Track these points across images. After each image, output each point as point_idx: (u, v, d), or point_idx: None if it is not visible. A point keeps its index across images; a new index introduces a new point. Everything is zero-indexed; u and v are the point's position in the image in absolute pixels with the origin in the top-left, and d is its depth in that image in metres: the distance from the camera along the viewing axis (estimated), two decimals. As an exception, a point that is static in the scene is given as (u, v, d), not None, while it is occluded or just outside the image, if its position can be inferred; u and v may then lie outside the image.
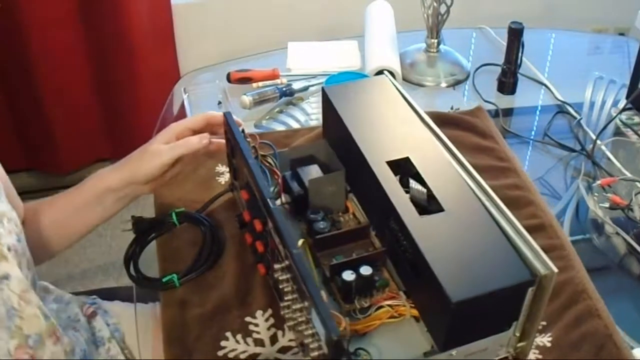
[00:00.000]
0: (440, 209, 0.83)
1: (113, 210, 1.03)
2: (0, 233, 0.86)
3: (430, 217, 0.82)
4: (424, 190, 0.86)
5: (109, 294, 1.24)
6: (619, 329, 0.93)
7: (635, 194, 1.14)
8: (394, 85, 1.04)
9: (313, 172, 0.97)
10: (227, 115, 0.99)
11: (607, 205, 1.15)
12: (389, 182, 0.86)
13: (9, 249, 0.86)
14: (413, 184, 0.87)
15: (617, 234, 1.11)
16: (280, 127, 1.33)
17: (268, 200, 0.84)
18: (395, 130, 0.96)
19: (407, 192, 0.86)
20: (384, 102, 1.01)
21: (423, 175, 0.87)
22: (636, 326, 0.98)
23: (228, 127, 0.99)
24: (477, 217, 0.82)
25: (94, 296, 1.16)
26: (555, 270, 0.75)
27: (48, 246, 1.04)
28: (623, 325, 0.97)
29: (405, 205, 0.83)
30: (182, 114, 1.40)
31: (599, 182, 1.18)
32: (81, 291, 1.34)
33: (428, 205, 0.85)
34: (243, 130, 0.98)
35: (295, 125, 1.33)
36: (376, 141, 0.93)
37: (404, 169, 0.90)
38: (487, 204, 0.84)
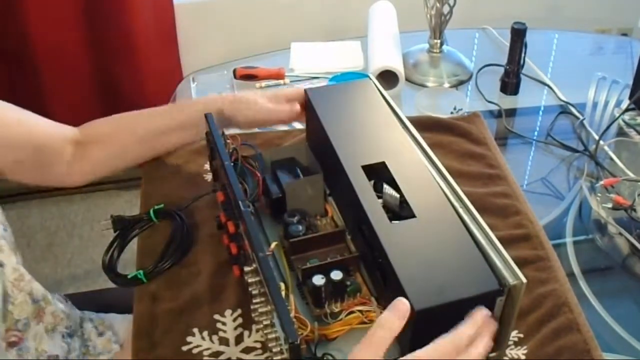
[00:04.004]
0: (412, 215, 0.82)
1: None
2: None
3: (400, 223, 0.81)
4: (397, 195, 0.85)
5: (110, 295, 1.25)
6: (622, 331, 0.93)
7: (638, 194, 1.14)
8: (378, 89, 1.04)
9: (292, 175, 0.97)
10: (207, 117, 0.99)
11: (610, 205, 1.15)
12: (362, 186, 0.86)
13: (3, 238, 0.91)
14: (386, 189, 0.87)
15: (620, 234, 1.11)
16: (283, 127, 1.33)
17: (240, 202, 0.84)
18: (374, 134, 0.95)
19: (380, 197, 0.86)
20: (366, 106, 1.00)
21: (397, 181, 0.86)
22: (638, 326, 0.98)
23: (208, 128, 0.99)
24: (448, 224, 0.81)
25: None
26: (524, 280, 0.74)
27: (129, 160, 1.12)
28: (626, 326, 0.97)
29: (376, 211, 0.82)
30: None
31: (602, 182, 1.18)
32: (83, 291, 1.34)
33: (401, 211, 0.84)
34: (223, 132, 0.98)
35: (299, 126, 1.33)
36: (353, 145, 0.92)
37: (379, 173, 0.89)
38: (461, 211, 0.83)
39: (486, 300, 0.75)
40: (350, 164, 0.89)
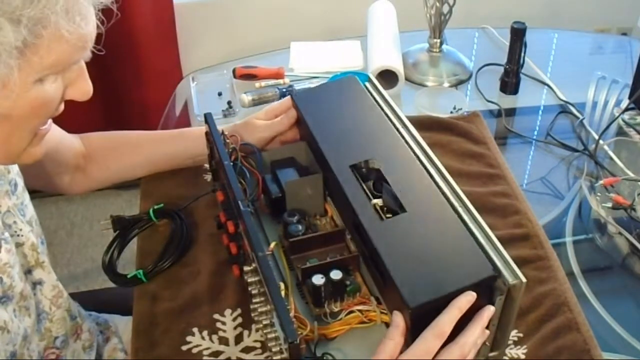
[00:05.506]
0: (403, 210, 0.82)
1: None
2: (34, 242, 0.88)
3: (391, 220, 0.81)
4: (395, 194, 0.85)
5: (110, 294, 1.25)
6: (621, 330, 0.93)
7: (638, 194, 1.14)
8: (377, 88, 1.04)
9: (292, 174, 0.97)
10: (207, 117, 0.99)
11: (609, 205, 1.15)
12: (351, 186, 0.86)
13: (43, 253, 0.90)
14: (386, 187, 0.87)
15: (620, 233, 1.11)
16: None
17: (239, 202, 0.84)
18: (361, 132, 0.95)
19: (379, 196, 0.86)
20: (352, 104, 1.01)
21: (387, 177, 0.87)
22: (638, 326, 0.98)
23: (208, 127, 0.99)
24: (439, 215, 0.81)
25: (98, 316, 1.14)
26: (524, 280, 0.74)
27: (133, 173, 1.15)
28: (626, 325, 0.97)
29: (365, 210, 0.83)
30: (185, 114, 1.40)
31: (601, 182, 1.18)
32: (83, 291, 1.34)
33: (399, 208, 0.84)
34: (223, 132, 0.98)
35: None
36: (341, 145, 0.93)
37: (368, 171, 0.89)
38: (461, 210, 0.83)
39: (483, 287, 0.75)
40: (338, 165, 0.89)
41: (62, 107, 0.79)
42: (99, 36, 0.76)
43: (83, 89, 0.79)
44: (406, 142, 0.94)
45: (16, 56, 0.67)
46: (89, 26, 0.73)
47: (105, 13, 0.77)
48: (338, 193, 0.88)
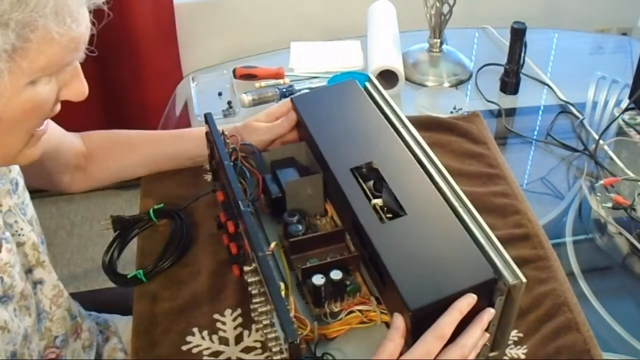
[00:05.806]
0: (404, 213, 0.82)
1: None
2: (35, 241, 0.88)
3: (391, 223, 0.82)
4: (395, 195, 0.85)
5: (110, 294, 1.25)
6: (621, 330, 0.92)
7: (638, 194, 1.14)
8: (377, 89, 1.04)
9: (292, 174, 0.97)
10: (207, 117, 0.99)
11: (609, 205, 1.15)
12: (352, 188, 0.86)
13: (43, 253, 0.90)
14: (387, 187, 0.87)
15: (620, 233, 1.11)
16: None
17: (239, 202, 0.84)
18: (361, 135, 0.95)
19: (379, 196, 0.86)
20: (351, 107, 1.01)
21: (387, 180, 0.87)
22: (638, 326, 0.98)
23: (208, 127, 0.99)
24: (439, 217, 0.82)
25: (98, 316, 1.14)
26: (524, 280, 0.74)
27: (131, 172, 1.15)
28: (626, 325, 0.97)
29: (365, 212, 0.83)
30: (185, 114, 1.40)
31: (601, 182, 1.18)
32: (83, 291, 1.34)
33: (399, 209, 0.84)
34: (223, 132, 0.98)
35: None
36: (341, 148, 0.93)
37: (369, 174, 0.89)
38: (461, 211, 0.83)
39: (482, 290, 0.75)
40: (338, 167, 0.90)
41: (58, 107, 0.79)
42: (92, 37, 0.76)
43: (78, 90, 0.78)
44: (406, 142, 0.94)
45: (5, 59, 0.67)
46: (81, 28, 0.72)
47: (98, 14, 0.77)
48: (338, 196, 0.88)
